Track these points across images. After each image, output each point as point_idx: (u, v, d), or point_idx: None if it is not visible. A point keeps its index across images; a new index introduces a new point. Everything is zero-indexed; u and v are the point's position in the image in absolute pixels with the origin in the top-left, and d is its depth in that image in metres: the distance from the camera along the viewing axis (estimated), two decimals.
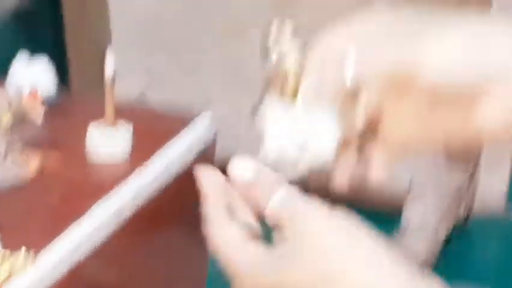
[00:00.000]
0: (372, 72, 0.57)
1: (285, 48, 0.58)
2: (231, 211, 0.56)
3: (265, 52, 0.59)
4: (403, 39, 0.57)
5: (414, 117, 0.60)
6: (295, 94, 0.57)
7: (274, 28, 0.58)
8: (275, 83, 0.57)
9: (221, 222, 0.56)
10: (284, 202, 0.53)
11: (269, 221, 0.54)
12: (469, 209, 2.25)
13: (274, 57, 0.58)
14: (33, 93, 1.29)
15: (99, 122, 1.29)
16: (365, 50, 0.57)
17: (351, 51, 0.57)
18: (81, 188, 1.21)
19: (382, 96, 0.59)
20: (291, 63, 0.57)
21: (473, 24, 0.58)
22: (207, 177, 0.58)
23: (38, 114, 1.27)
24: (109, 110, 1.28)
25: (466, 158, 2.06)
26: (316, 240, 0.51)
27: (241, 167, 0.55)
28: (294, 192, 0.54)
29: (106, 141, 1.28)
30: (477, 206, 2.26)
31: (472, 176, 2.13)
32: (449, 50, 0.57)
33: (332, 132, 0.57)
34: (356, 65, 0.57)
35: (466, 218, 2.23)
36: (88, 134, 1.28)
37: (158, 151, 1.30)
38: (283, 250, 0.53)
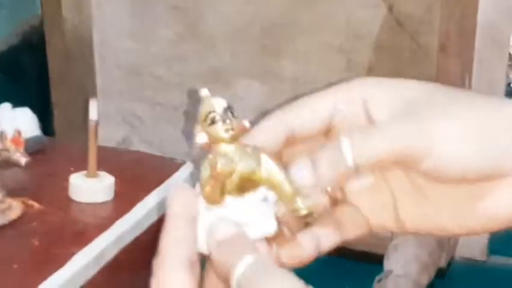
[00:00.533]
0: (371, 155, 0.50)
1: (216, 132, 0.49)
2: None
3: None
4: (405, 119, 0.51)
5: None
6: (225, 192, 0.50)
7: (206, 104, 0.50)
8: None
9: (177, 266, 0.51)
10: (250, 270, 0.48)
11: (232, 285, 0.49)
12: (451, 257, 2.25)
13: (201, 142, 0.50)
14: (16, 137, 1.29)
15: (80, 173, 1.30)
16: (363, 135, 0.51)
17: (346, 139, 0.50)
18: (62, 232, 1.21)
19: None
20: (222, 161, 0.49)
21: (482, 108, 0.51)
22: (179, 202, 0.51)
23: (21, 157, 1.28)
24: (92, 161, 1.29)
25: None
26: None
27: (216, 227, 0.50)
28: (263, 261, 0.49)
29: (88, 193, 1.28)
30: (458, 252, 2.27)
31: None
32: (459, 136, 0.50)
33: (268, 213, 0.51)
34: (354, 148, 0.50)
35: (447, 266, 2.23)
36: (70, 185, 1.29)
37: (141, 199, 1.31)
38: None
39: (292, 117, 0.53)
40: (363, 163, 0.50)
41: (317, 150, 0.51)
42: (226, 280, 0.49)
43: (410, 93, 0.52)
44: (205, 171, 0.50)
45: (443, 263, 2.20)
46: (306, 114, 0.53)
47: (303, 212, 0.51)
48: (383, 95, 0.53)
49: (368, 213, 0.55)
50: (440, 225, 0.54)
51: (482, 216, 0.52)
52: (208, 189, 0.50)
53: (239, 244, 0.50)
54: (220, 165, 0.49)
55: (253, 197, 0.51)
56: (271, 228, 0.51)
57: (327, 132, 0.54)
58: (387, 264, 2.08)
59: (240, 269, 0.48)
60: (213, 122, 0.49)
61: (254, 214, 0.51)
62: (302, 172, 0.51)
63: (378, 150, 0.50)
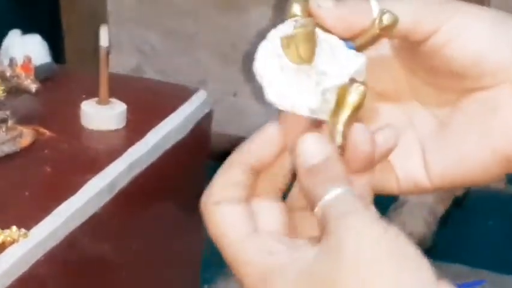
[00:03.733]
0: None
1: None
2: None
3: None
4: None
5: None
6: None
7: None
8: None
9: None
10: (339, 201, 0.47)
11: (316, 215, 0.48)
12: (467, 187, 2.24)
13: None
14: (26, 64, 1.27)
15: (92, 100, 1.29)
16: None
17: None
18: (74, 160, 1.21)
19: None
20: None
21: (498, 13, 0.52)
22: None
23: (31, 84, 1.26)
24: (103, 87, 1.27)
25: None
26: (359, 260, 0.45)
27: (310, 149, 0.49)
28: (352, 195, 0.48)
29: (100, 121, 1.27)
30: None
31: None
32: (474, 26, 0.51)
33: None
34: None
35: (464, 196, 2.22)
36: (81, 112, 1.28)
37: (153, 127, 1.30)
38: (315, 253, 0.47)
39: None
40: (385, 17, 0.50)
41: None
42: (311, 203, 0.49)
43: None
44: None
45: (459, 192, 2.19)
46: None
47: (385, 22, 0.51)
48: None
49: (398, 169, 0.55)
50: (465, 158, 0.53)
51: (500, 130, 0.52)
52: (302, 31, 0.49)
53: (330, 172, 0.48)
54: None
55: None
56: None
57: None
58: (402, 195, 2.07)
59: (327, 199, 0.47)
60: None
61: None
62: None
63: (402, 13, 0.51)
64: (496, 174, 0.53)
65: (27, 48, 1.35)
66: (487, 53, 0.51)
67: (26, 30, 1.42)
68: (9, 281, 1.02)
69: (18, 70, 1.27)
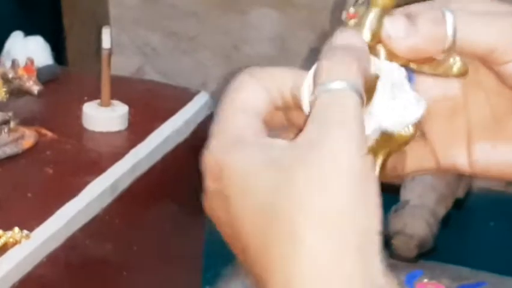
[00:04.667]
0: None
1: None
2: None
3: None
4: None
5: None
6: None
7: None
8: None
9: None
10: (338, 94, 0.45)
11: (309, 102, 0.46)
12: (469, 188, 2.24)
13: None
14: (28, 65, 1.28)
15: (94, 102, 1.29)
16: None
17: None
18: (76, 162, 1.21)
19: None
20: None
21: None
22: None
23: (33, 85, 1.26)
24: (105, 89, 1.28)
25: None
26: (323, 174, 0.43)
27: (344, 34, 0.47)
28: (356, 95, 0.45)
29: (101, 122, 1.27)
30: (476, 183, 2.26)
31: None
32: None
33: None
34: None
35: (465, 198, 2.22)
36: (83, 114, 1.28)
37: (155, 129, 1.30)
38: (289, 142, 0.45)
39: None
40: (461, 42, 0.49)
41: (417, 8, 0.49)
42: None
43: None
44: None
45: (461, 194, 2.19)
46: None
47: (460, 65, 0.50)
48: None
49: (439, 144, 0.52)
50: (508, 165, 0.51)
51: None
52: None
53: (347, 60, 0.46)
54: None
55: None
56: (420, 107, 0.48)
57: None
58: (404, 194, 2.07)
59: (329, 86, 0.45)
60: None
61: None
62: (397, 23, 0.48)
63: (479, 39, 0.49)
64: None
65: (30, 50, 1.35)
66: None
67: (28, 32, 1.42)
68: (12, 282, 1.02)
69: (21, 72, 1.27)
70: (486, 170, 0.52)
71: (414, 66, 0.50)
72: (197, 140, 1.37)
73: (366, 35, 0.48)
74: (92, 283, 1.17)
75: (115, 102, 1.30)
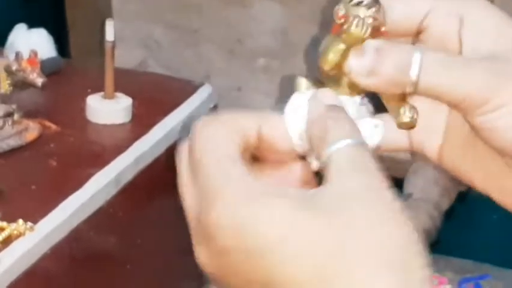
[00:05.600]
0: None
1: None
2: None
3: None
4: (488, 65, 0.48)
5: None
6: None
7: None
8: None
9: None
10: (348, 150, 0.45)
11: (320, 161, 0.46)
12: None
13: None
14: (32, 58, 1.28)
15: (97, 95, 1.29)
16: None
17: None
18: (80, 154, 1.21)
19: None
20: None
21: None
22: None
23: (37, 78, 1.26)
24: (108, 82, 1.28)
25: None
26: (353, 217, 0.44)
27: (325, 95, 0.48)
28: (365, 149, 0.46)
29: (105, 115, 1.27)
30: None
31: None
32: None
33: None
34: None
35: (468, 190, 2.22)
36: (87, 106, 1.28)
37: (159, 121, 1.30)
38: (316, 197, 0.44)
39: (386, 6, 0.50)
40: (423, 88, 0.48)
41: (388, 46, 0.48)
42: (317, 149, 0.47)
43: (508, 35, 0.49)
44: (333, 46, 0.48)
45: (464, 187, 2.19)
46: (401, 7, 0.50)
47: (407, 119, 0.49)
48: (485, 20, 0.49)
49: (415, 132, 0.53)
50: (470, 175, 0.52)
51: (507, 191, 0.51)
52: (332, 57, 0.48)
53: (345, 119, 0.47)
54: (355, 25, 0.48)
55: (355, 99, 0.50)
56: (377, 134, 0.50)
57: (417, 34, 0.51)
58: (407, 188, 2.07)
59: (337, 146, 0.46)
60: (358, 3, 0.49)
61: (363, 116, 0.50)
62: (362, 60, 0.48)
63: (442, 89, 0.48)
64: None
65: (33, 43, 1.35)
66: None
67: (31, 24, 1.42)
68: (16, 274, 1.03)
69: (24, 64, 1.27)
70: (453, 171, 0.54)
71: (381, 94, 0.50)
72: None
73: (329, 63, 0.49)
74: (96, 275, 1.17)
75: (119, 94, 1.30)
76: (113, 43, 1.27)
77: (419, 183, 2.07)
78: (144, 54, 2.41)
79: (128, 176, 1.21)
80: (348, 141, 0.46)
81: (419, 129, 0.51)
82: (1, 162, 1.18)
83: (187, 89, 1.40)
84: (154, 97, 1.37)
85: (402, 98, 0.49)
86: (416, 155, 0.58)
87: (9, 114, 1.21)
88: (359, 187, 0.45)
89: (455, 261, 1.97)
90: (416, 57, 0.48)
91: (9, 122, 1.20)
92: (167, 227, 1.33)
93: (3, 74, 1.24)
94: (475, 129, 0.49)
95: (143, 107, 1.31)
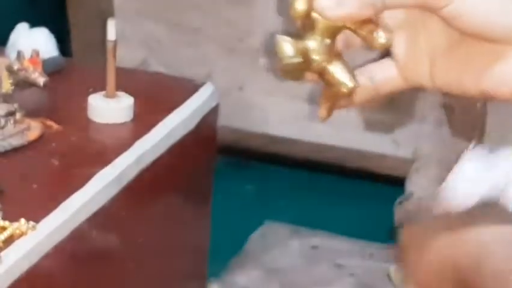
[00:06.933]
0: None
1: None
2: None
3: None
4: None
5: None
6: None
7: None
8: None
9: None
10: None
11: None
12: None
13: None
14: (34, 57, 1.28)
15: (99, 94, 1.29)
16: None
17: None
18: (82, 153, 1.21)
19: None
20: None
21: None
22: None
23: (39, 77, 1.26)
24: (110, 81, 1.28)
25: (470, 129, 2.05)
26: None
27: None
28: None
29: (107, 114, 1.27)
30: None
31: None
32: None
33: None
34: None
35: None
36: (88, 106, 1.28)
37: (160, 120, 1.30)
38: None
39: None
40: (391, 3, 0.54)
41: None
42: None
43: None
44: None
45: None
46: None
47: (383, 41, 0.55)
48: None
49: (406, 65, 0.59)
50: (462, 82, 0.58)
51: (496, 78, 0.56)
52: None
53: None
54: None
55: None
56: None
57: None
58: (409, 186, 2.07)
59: None
60: None
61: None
62: None
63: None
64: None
65: (35, 42, 1.35)
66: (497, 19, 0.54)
67: (33, 23, 1.42)
68: (18, 273, 1.03)
69: (26, 63, 1.27)
70: (448, 87, 0.59)
71: (352, 27, 0.55)
72: (202, 131, 1.37)
73: (298, 11, 0.55)
74: (98, 274, 1.17)
75: (121, 93, 1.30)
76: (115, 42, 1.27)
77: (421, 181, 2.06)
78: (146, 54, 2.41)
79: (130, 175, 1.21)
80: None
81: (408, 62, 0.58)
82: (3, 162, 1.18)
83: (188, 88, 1.40)
84: (156, 96, 1.37)
85: (373, 23, 0.55)
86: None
87: (11, 114, 1.21)
88: None
89: None
90: None
91: (11, 121, 1.20)
92: (169, 226, 1.34)
93: (5, 73, 1.24)
94: (448, 23, 0.55)
95: (144, 106, 1.31)
